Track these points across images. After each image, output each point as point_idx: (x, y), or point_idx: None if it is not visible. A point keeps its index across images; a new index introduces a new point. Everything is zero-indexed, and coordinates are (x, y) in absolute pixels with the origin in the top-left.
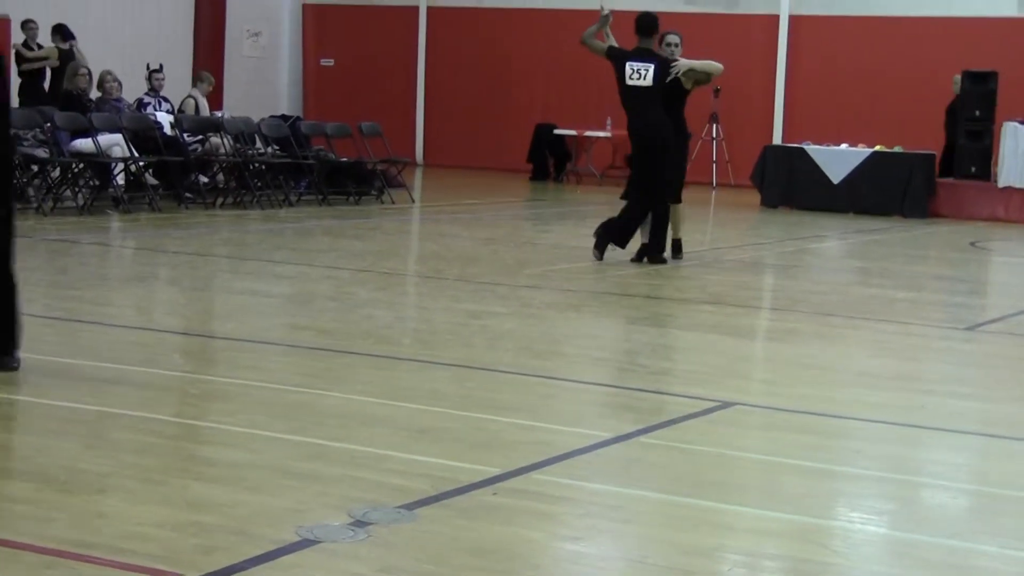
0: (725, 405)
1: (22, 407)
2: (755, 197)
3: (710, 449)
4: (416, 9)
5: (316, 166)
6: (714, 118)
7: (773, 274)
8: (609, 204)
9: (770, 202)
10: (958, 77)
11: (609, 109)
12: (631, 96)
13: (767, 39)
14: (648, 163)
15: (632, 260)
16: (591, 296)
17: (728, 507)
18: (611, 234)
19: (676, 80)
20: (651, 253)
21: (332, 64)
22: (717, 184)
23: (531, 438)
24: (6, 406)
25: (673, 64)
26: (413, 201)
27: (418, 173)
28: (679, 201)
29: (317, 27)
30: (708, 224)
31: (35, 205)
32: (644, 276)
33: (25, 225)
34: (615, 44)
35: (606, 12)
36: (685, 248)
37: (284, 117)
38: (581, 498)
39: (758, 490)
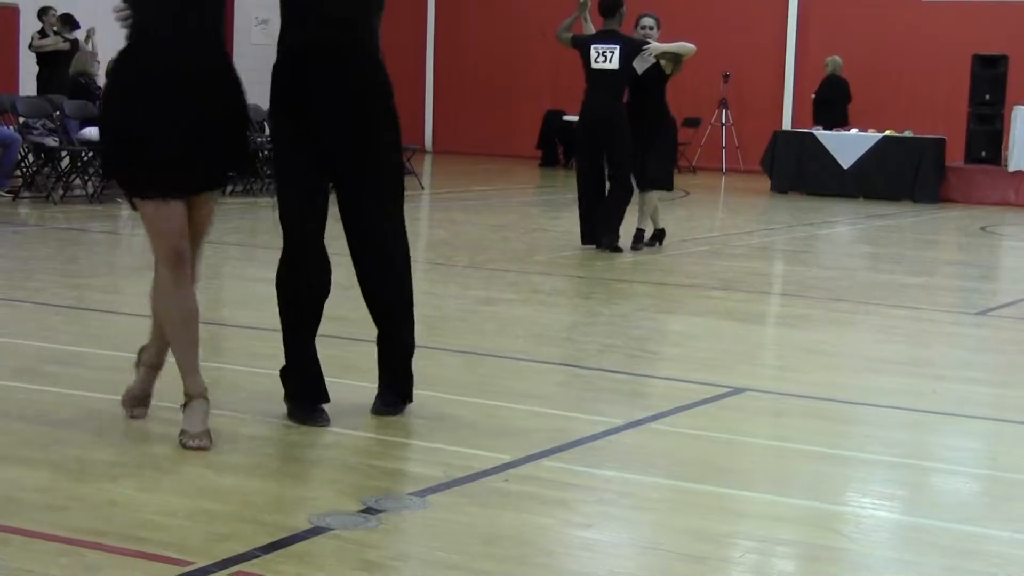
0: (736, 391)
1: (33, 396)
2: (765, 182)
3: (721, 435)
4: None
5: None
6: (723, 104)
7: (783, 260)
8: None
9: (780, 187)
10: (831, 59)
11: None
12: (595, 79)
13: (776, 24)
14: (609, 150)
15: (646, 244)
16: (601, 282)
17: (740, 493)
18: (605, 231)
19: (656, 66)
20: (606, 240)
21: None
22: (727, 170)
23: (542, 425)
24: (17, 395)
25: (645, 48)
26: (422, 188)
27: (427, 160)
28: (670, 188)
29: None
30: (718, 209)
31: (44, 194)
32: (654, 262)
33: (35, 214)
34: (593, 31)
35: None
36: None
37: None
38: (593, 485)
39: (769, 476)
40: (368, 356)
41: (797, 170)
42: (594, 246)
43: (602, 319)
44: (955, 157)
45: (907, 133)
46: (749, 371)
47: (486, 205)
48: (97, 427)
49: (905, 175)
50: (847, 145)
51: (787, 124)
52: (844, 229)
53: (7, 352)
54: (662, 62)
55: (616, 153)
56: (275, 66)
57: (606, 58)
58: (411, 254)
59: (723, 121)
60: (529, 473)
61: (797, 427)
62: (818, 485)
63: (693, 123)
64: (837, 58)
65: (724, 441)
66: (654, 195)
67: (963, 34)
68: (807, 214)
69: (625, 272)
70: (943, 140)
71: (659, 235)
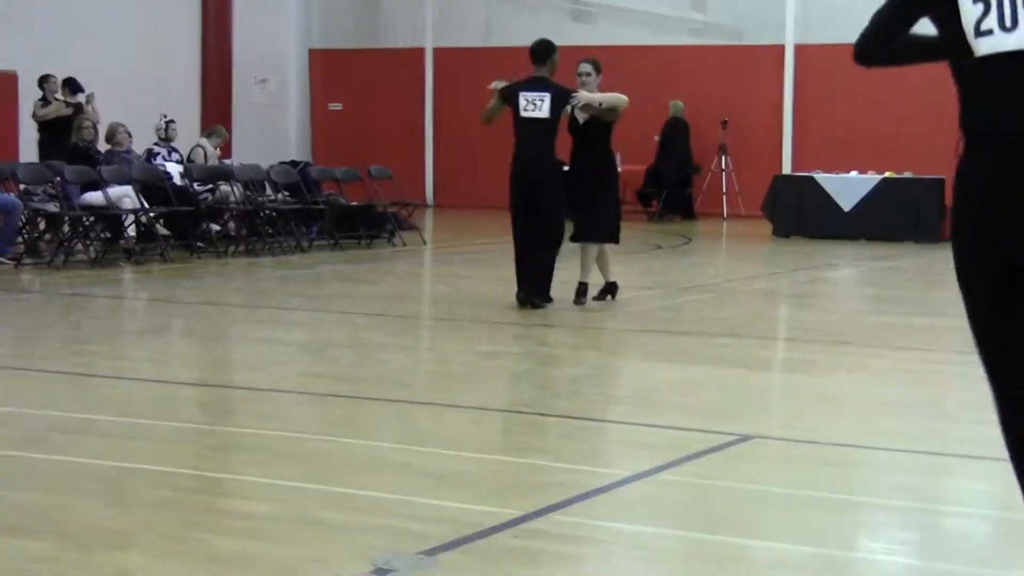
0: (744, 439)
1: (40, 465)
2: (766, 227)
3: (730, 484)
4: (422, 51)
5: (327, 211)
6: (723, 149)
7: (788, 304)
8: (624, 240)
9: (782, 232)
10: (673, 103)
11: (617, 145)
12: (525, 128)
13: (773, 69)
14: (540, 202)
15: (595, 298)
16: (607, 333)
17: (750, 542)
18: (535, 290)
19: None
20: (536, 295)
21: (340, 108)
22: (728, 215)
23: (551, 479)
24: (24, 464)
25: (573, 96)
26: (425, 243)
27: (429, 214)
28: (617, 241)
29: (324, 72)
30: (720, 256)
31: (47, 260)
32: (658, 311)
33: (37, 280)
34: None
35: (498, 86)
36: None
37: (293, 163)
38: (603, 538)
39: (780, 524)
40: (369, 414)
41: (798, 214)
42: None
43: (608, 370)
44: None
45: (907, 174)
46: (756, 418)
47: (488, 258)
48: (106, 495)
49: (906, 216)
50: (847, 188)
51: (787, 168)
52: (847, 272)
53: (13, 421)
54: (577, 113)
55: (547, 204)
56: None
57: (535, 106)
58: (418, 309)
59: (723, 167)
60: (539, 528)
61: (806, 474)
62: (829, 532)
63: (693, 170)
64: (679, 102)
65: (733, 490)
66: (595, 248)
67: None
68: (810, 258)
69: (630, 322)
70: (943, 180)
71: (611, 289)
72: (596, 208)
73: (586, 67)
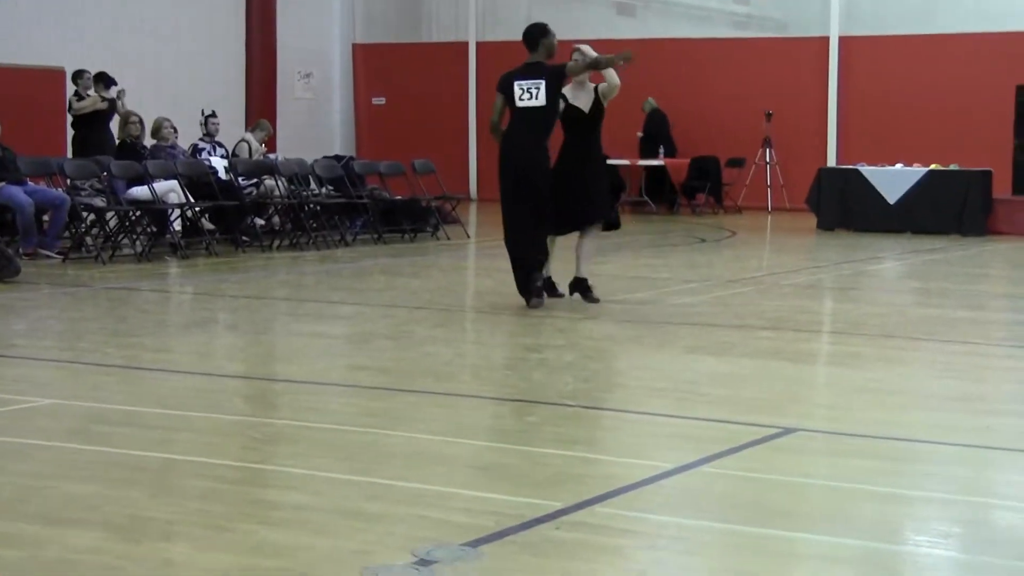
0: (787, 431)
1: (86, 456)
2: (811, 220)
3: (774, 477)
4: (465, 45)
5: (371, 205)
6: (767, 143)
7: (832, 297)
8: (663, 234)
9: (826, 225)
10: (647, 101)
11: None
12: (521, 118)
13: (818, 62)
14: (534, 191)
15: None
16: (649, 326)
17: (794, 535)
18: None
19: (597, 103)
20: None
21: (384, 103)
22: (772, 208)
23: (593, 471)
24: (70, 455)
25: (576, 49)
26: (468, 237)
27: (472, 208)
28: (612, 222)
29: (367, 66)
30: (765, 249)
31: (94, 254)
32: (702, 304)
33: (84, 274)
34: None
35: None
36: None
37: (337, 157)
38: (645, 530)
39: (824, 517)
40: (413, 406)
41: (843, 207)
42: (532, 296)
43: (651, 363)
44: (1002, 189)
45: (953, 166)
46: (800, 411)
47: None
48: (150, 486)
49: (952, 209)
50: (893, 180)
51: (832, 161)
52: (892, 264)
53: (58, 413)
54: (600, 94)
55: (540, 194)
56: None
57: (531, 95)
58: (462, 302)
59: (767, 160)
60: (581, 520)
61: (850, 466)
62: (874, 525)
63: (737, 163)
64: (651, 99)
65: (777, 482)
66: (588, 240)
67: (1007, 65)
68: (854, 251)
69: (673, 315)
70: (990, 172)
71: (580, 284)
72: (599, 195)
73: (577, 56)
